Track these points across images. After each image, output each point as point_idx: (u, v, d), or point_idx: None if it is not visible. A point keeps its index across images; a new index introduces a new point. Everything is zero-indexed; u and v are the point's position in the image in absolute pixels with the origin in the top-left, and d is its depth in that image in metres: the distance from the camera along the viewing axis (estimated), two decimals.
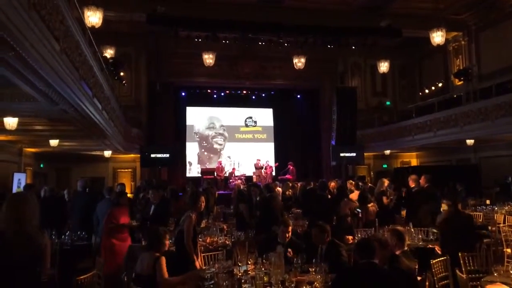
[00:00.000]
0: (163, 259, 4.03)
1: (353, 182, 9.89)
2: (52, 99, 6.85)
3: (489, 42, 15.77)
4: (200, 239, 6.17)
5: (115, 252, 5.95)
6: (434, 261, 4.84)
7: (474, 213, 9.03)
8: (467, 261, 4.96)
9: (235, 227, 7.67)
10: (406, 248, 4.37)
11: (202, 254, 5.26)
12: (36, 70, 5.39)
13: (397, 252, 4.13)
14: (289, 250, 4.71)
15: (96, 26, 10.43)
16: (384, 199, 8.60)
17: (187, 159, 19.46)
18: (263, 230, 6.68)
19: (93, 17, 10.39)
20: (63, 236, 6.30)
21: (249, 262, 4.45)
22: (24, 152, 14.14)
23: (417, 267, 4.23)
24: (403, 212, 8.60)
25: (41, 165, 16.22)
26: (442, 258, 4.99)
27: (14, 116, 8.61)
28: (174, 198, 8.29)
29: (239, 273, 4.27)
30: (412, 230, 6.19)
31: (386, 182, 8.85)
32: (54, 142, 11.98)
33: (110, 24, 13.36)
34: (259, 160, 17.65)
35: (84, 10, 9.97)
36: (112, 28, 14.31)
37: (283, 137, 20.48)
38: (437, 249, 5.68)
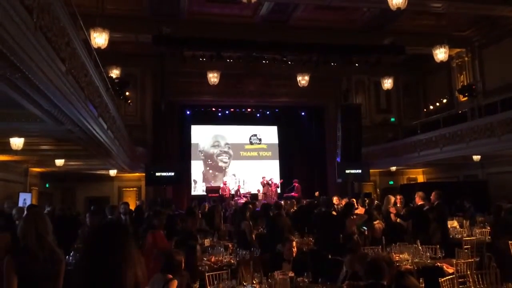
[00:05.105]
0: (175, 282, 3.85)
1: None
2: (58, 119, 6.88)
3: (492, 58, 15.79)
4: (205, 258, 6.13)
5: None
6: (442, 279, 4.75)
7: (483, 229, 8.90)
8: (476, 279, 4.87)
9: (237, 246, 7.57)
10: None
11: (206, 274, 5.20)
12: (42, 91, 5.43)
13: None
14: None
15: (102, 47, 10.60)
16: (392, 216, 8.50)
17: (192, 178, 19.43)
18: (270, 249, 6.58)
19: (99, 38, 10.57)
20: (67, 257, 6.24)
21: (255, 282, 4.39)
22: (30, 172, 14.18)
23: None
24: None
25: (47, 185, 16.25)
26: (451, 276, 4.91)
27: (20, 136, 8.68)
28: (191, 216, 8.17)
29: None
30: (420, 248, 6.09)
31: (392, 198, 8.75)
32: (59, 162, 12.01)
33: (116, 45, 13.53)
34: (264, 177, 17.60)
35: (90, 32, 10.15)
36: (118, 48, 14.49)
37: (288, 154, 20.44)
38: (446, 267, 5.58)
